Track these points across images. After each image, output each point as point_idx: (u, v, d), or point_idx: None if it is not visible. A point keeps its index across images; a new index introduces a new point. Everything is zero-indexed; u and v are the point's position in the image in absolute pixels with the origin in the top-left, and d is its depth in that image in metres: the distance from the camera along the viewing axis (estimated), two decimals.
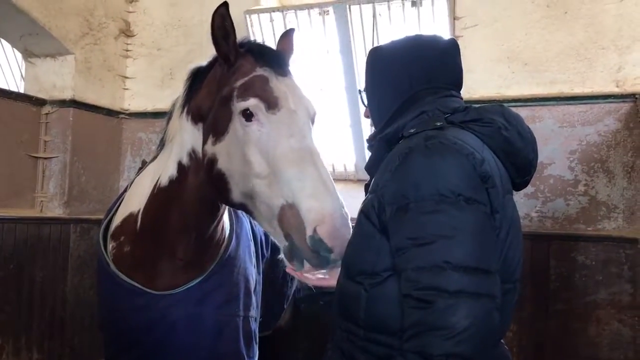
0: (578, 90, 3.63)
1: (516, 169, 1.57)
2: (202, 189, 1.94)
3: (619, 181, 3.51)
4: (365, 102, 1.77)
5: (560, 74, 3.68)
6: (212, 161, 1.84)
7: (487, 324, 1.28)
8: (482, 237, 1.34)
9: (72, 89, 4.19)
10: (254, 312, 2.21)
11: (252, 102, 1.76)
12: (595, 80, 3.61)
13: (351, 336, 1.49)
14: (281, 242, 1.71)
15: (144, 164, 2.29)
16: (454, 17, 3.89)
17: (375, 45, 1.79)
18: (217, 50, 1.87)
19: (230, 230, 2.18)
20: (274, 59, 1.90)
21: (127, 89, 4.70)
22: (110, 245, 2.13)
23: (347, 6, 4.02)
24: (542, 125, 3.63)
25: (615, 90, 3.56)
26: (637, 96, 3.45)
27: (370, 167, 1.69)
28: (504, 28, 3.80)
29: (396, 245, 1.38)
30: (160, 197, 2.02)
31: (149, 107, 4.61)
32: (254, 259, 2.28)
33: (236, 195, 1.81)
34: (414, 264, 1.32)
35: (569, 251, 3.52)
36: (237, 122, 1.78)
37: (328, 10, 4.15)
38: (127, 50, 4.71)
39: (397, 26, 4.10)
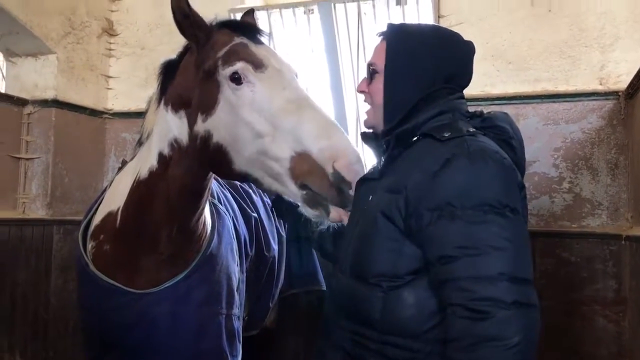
0: (562, 88, 3.65)
1: None
2: (184, 178, 1.92)
3: (603, 178, 3.53)
4: (371, 77, 1.68)
5: (544, 72, 3.70)
6: (207, 138, 1.82)
7: (537, 332, 1.32)
8: (525, 246, 1.37)
9: (55, 89, 4.14)
10: (237, 310, 2.19)
11: (239, 65, 1.77)
12: (578, 78, 3.63)
13: (361, 339, 1.47)
14: (297, 195, 1.69)
15: (124, 164, 2.26)
16: (438, 15, 3.90)
17: (399, 23, 1.74)
18: (181, 32, 1.85)
19: (211, 227, 2.15)
20: (250, 30, 1.93)
21: (110, 88, 4.66)
22: (90, 245, 2.09)
23: (332, 5, 4.01)
24: (526, 123, 3.65)
25: (598, 88, 3.58)
26: (620, 94, 3.48)
27: (386, 164, 1.59)
28: (489, 26, 3.81)
29: (440, 253, 1.36)
30: (140, 190, 1.99)
31: (133, 106, 4.55)
32: (237, 257, 2.26)
33: (239, 163, 1.79)
34: (468, 273, 1.31)
35: (554, 248, 3.54)
36: (227, 89, 1.78)
37: (313, 9, 4.14)
38: (110, 50, 4.66)
39: (382, 25, 4.09)
